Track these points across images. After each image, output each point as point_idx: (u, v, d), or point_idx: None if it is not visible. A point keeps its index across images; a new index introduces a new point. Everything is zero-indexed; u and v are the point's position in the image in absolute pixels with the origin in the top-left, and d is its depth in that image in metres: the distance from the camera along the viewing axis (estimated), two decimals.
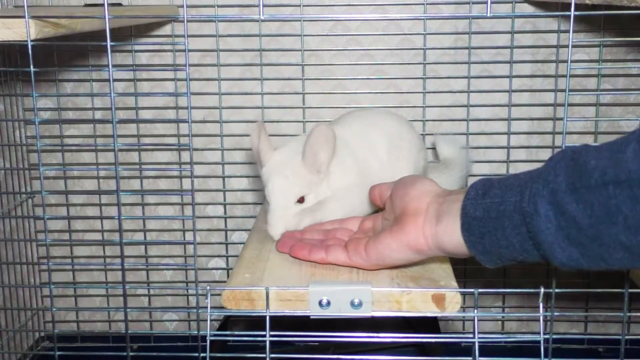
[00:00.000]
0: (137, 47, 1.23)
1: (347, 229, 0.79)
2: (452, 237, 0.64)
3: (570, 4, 0.68)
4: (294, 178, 0.81)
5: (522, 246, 0.60)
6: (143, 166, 1.27)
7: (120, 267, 0.74)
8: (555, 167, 0.58)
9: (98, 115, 1.27)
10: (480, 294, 0.68)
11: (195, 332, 1.22)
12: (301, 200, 0.81)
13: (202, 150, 1.28)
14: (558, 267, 0.59)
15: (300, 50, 1.23)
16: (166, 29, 1.24)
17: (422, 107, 1.24)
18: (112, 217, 1.30)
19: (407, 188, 0.71)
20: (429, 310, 0.68)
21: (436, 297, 0.68)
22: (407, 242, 0.67)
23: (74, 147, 1.29)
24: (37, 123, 0.73)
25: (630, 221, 0.52)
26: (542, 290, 0.69)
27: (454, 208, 0.64)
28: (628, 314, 0.74)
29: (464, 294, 0.68)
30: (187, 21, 0.69)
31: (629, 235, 0.53)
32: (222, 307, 0.70)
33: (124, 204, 1.31)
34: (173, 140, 1.28)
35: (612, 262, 0.56)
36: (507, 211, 0.60)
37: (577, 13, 0.69)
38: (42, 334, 1.34)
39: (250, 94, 1.25)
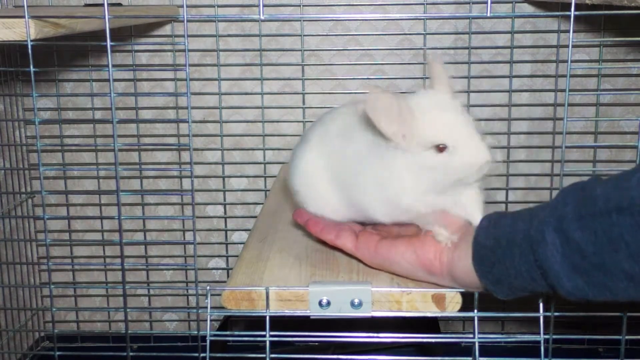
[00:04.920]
0: (137, 47, 1.23)
1: (359, 225, 0.79)
2: (465, 266, 0.64)
3: (570, 4, 0.68)
4: (459, 106, 0.69)
5: (530, 275, 0.60)
6: (143, 166, 1.27)
7: (120, 267, 0.74)
8: (566, 197, 0.58)
9: (98, 115, 1.27)
10: (480, 294, 0.68)
11: (195, 332, 1.22)
12: None
13: (202, 150, 1.28)
14: (565, 297, 0.59)
15: (300, 50, 1.23)
16: (166, 29, 1.24)
17: None
18: (112, 217, 1.30)
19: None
20: (429, 310, 0.68)
21: (436, 297, 0.68)
22: (423, 259, 0.67)
23: (74, 147, 1.29)
24: (37, 123, 0.73)
25: (633, 249, 0.52)
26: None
27: (468, 238, 0.64)
28: (628, 314, 0.74)
29: (464, 294, 0.68)
30: (187, 21, 0.69)
31: (631, 264, 0.53)
32: (222, 307, 0.70)
33: (124, 204, 1.31)
34: (173, 140, 1.28)
35: (617, 291, 0.55)
36: (516, 239, 0.60)
37: (577, 13, 0.69)
38: (42, 334, 1.34)
39: (250, 94, 1.25)
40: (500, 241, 0.61)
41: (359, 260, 0.74)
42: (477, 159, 0.66)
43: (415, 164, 0.67)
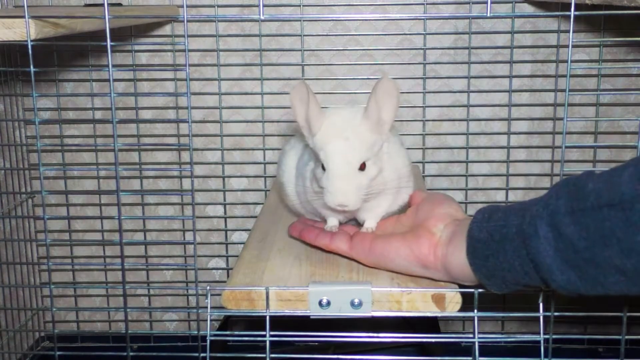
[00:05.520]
0: (137, 47, 1.23)
1: (356, 227, 0.80)
2: (459, 259, 0.64)
3: (570, 4, 0.68)
4: (355, 140, 0.71)
5: (523, 269, 0.60)
6: (143, 166, 1.27)
7: (120, 267, 0.74)
8: (558, 191, 0.58)
9: (98, 115, 1.27)
10: (480, 294, 0.68)
11: (195, 332, 1.22)
12: (362, 166, 0.72)
13: (202, 150, 1.28)
14: (558, 291, 0.59)
15: (300, 50, 1.23)
16: (166, 29, 1.24)
17: (422, 107, 1.24)
18: (112, 217, 1.30)
19: (434, 205, 0.72)
20: (429, 310, 0.68)
21: (436, 297, 0.68)
22: (418, 254, 0.68)
23: (74, 147, 1.29)
24: (37, 123, 0.73)
25: (624, 244, 0.53)
26: (542, 290, 0.69)
27: (463, 231, 0.65)
28: (628, 314, 0.74)
29: (464, 294, 0.68)
30: (187, 21, 0.69)
31: (622, 259, 0.53)
32: (222, 307, 0.70)
33: (124, 204, 1.31)
34: (173, 140, 1.28)
35: (609, 285, 0.56)
36: (509, 234, 0.60)
37: (577, 13, 0.69)
38: (42, 334, 1.34)
39: (250, 94, 1.25)
40: (493, 235, 0.62)
41: (357, 261, 0.74)
42: (329, 201, 0.71)
43: (309, 166, 0.78)
